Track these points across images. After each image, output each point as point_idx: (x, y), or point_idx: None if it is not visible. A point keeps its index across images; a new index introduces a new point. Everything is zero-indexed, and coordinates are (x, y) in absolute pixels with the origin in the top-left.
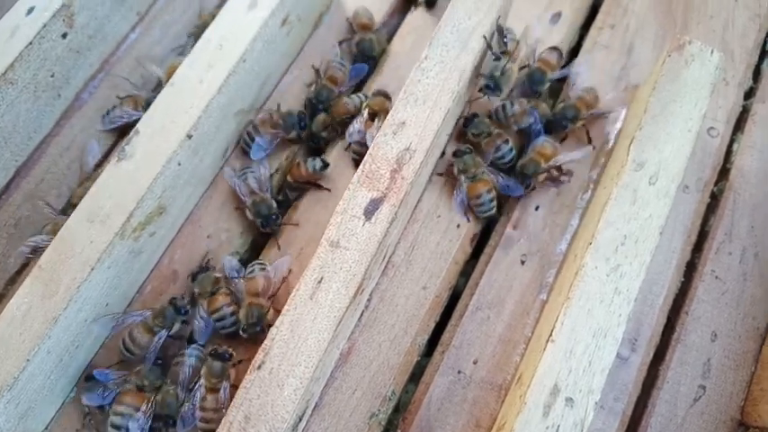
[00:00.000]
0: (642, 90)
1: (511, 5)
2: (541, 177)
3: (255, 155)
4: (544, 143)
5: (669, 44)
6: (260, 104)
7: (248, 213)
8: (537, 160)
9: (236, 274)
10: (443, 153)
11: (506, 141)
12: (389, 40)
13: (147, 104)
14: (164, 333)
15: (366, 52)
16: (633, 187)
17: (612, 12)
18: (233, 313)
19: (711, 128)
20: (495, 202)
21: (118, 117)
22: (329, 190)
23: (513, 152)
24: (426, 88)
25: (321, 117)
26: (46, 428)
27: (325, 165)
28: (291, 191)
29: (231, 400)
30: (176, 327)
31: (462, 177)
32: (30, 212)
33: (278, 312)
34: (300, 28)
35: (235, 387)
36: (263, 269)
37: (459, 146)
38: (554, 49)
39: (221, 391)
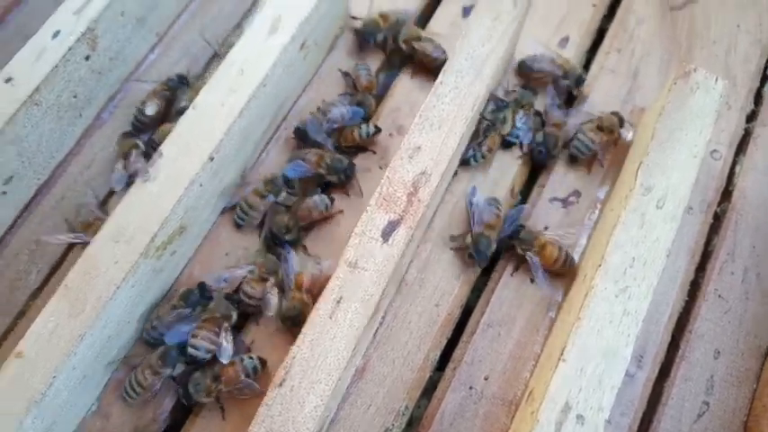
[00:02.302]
0: (648, 115)
1: (521, 31)
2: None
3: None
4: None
5: (675, 71)
6: (277, 124)
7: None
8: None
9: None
10: (456, 173)
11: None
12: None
13: (168, 85)
14: (271, 197)
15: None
16: (641, 211)
17: (619, 36)
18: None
19: (714, 150)
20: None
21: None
22: (374, 152)
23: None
24: (441, 114)
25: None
26: None
27: (378, 129)
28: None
29: None
30: (282, 195)
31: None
32: (50, 230)
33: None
34: (316, 52)
35: None
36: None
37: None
38: None
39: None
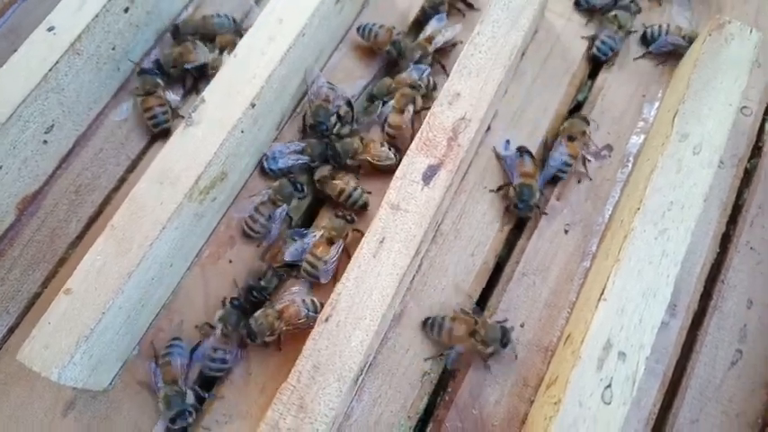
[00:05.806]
0: (682, 68)
1: None
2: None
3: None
4: None
5: (709, 24)
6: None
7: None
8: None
9: None
10: (489, 128)
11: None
12: None
13: None
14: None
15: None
16: (678, 157)
17: None
18: None
19: (745, 107)
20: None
21: None
22: None
23: None
24: (479, 62)
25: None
26: (110, 383)
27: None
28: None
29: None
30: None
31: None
32: (89, 180)
33: None
34: (351, 6)
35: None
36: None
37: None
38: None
39: (334, 248)
